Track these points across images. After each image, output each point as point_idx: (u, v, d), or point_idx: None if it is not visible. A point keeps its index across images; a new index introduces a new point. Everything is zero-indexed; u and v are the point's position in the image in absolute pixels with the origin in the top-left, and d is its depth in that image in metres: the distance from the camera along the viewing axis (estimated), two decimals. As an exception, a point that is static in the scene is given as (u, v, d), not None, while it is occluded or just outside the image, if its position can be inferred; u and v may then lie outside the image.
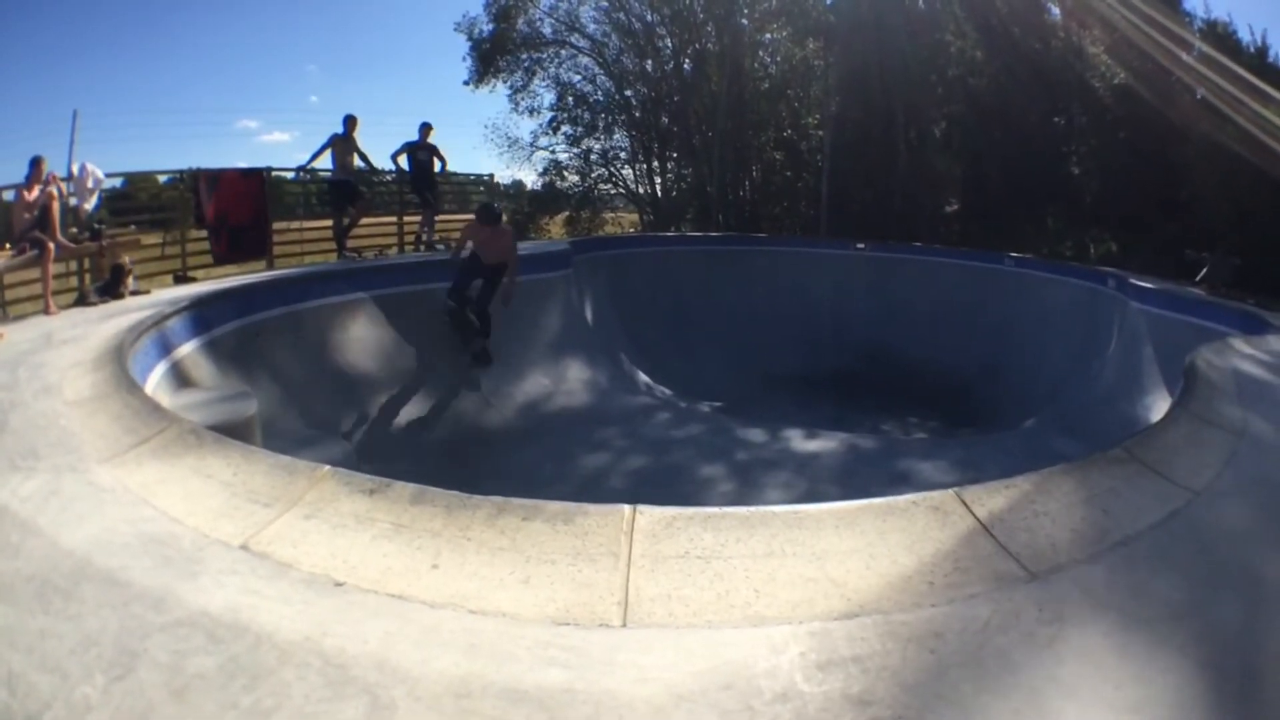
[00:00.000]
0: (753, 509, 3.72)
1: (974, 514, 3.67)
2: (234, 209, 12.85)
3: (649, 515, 3.61)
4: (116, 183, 15.25)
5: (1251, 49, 20.36)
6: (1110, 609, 3.03)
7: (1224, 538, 3.73)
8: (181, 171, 15.13)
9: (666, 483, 9.99)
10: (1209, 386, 6.27)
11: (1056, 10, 23.39)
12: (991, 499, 3.82)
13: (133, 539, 3.41)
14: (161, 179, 20.27)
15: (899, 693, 2.47)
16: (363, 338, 11.81)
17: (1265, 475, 4.55)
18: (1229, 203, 16.89)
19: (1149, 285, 13.75)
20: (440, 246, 16.66)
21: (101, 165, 11.87)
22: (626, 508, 3.66)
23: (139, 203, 17.82)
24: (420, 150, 16.34)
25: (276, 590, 3.02)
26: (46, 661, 2.60)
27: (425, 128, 16.49)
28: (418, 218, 17.57)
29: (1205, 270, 14.26)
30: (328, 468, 4.06)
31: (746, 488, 9.92)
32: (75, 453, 4.44)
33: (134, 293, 10.16)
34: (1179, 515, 3.89)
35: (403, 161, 16.16)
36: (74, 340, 7.43)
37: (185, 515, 3.64)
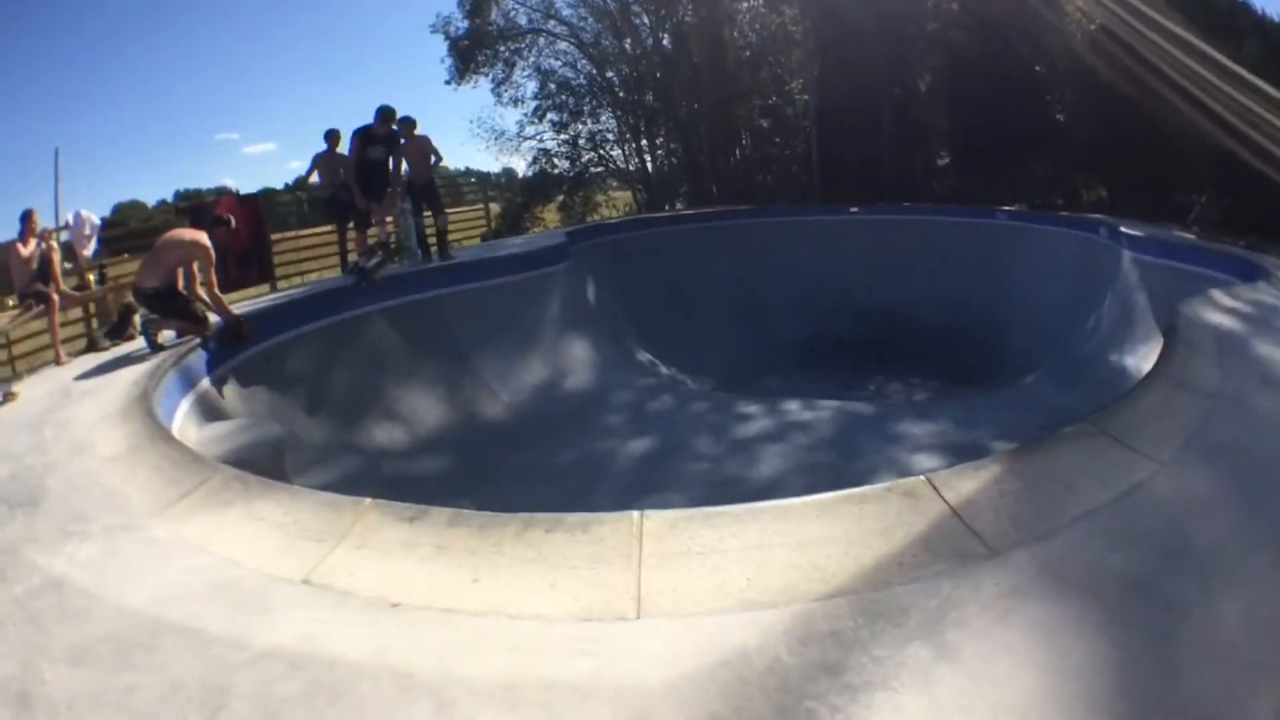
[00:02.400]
0: (745, 506, 4.13)
1: (943, 497, 4.02)
2: (234, 236, 13.10)
3: (655, 519, 4.01)
4: (105, 212, 15.45)
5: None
6: (1065, 582, 3.35)
7: (1185, 509, 3.98)
8: (171, 198, 15.43)
9: (674, 463, 10.36)
10: (1187, 347, 6.48)
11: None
12: (961, 482, 4.16)
13: (200, 587, 3.72)
14: (150, 205, 20.58)
15: (867, 662, 2.88)
16: (373, 350, 12.16)
17: (1233, 441, 4.78)
18: (1209, 141, 17.10)
19: (1140, 233, 13.85)
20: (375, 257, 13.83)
21: (88, 198, 12.59)
22: (635, 514, 4.05)
23: (132, 231, 18.03)
24: (373, 143, 13.82)
25: (341, 616, 3.40)
26: (139, 714, 2.89)
27: (384, 113, 13.94)
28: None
29: (1195, 212, 14.46)
30: (369, 500, 4.40)
31: (752, 461, 10.22)
32: (124, 510, 4.63)
33: (143, 332, 10.18)
34: (1142, 487, 4.14)
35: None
36: (94, 391, 7.51)
37: (245, 558, 3.95)
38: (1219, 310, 7.88)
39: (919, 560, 3.52)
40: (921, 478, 4.22)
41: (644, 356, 15.99)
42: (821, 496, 4.13)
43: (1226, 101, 16.12)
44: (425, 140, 14.89)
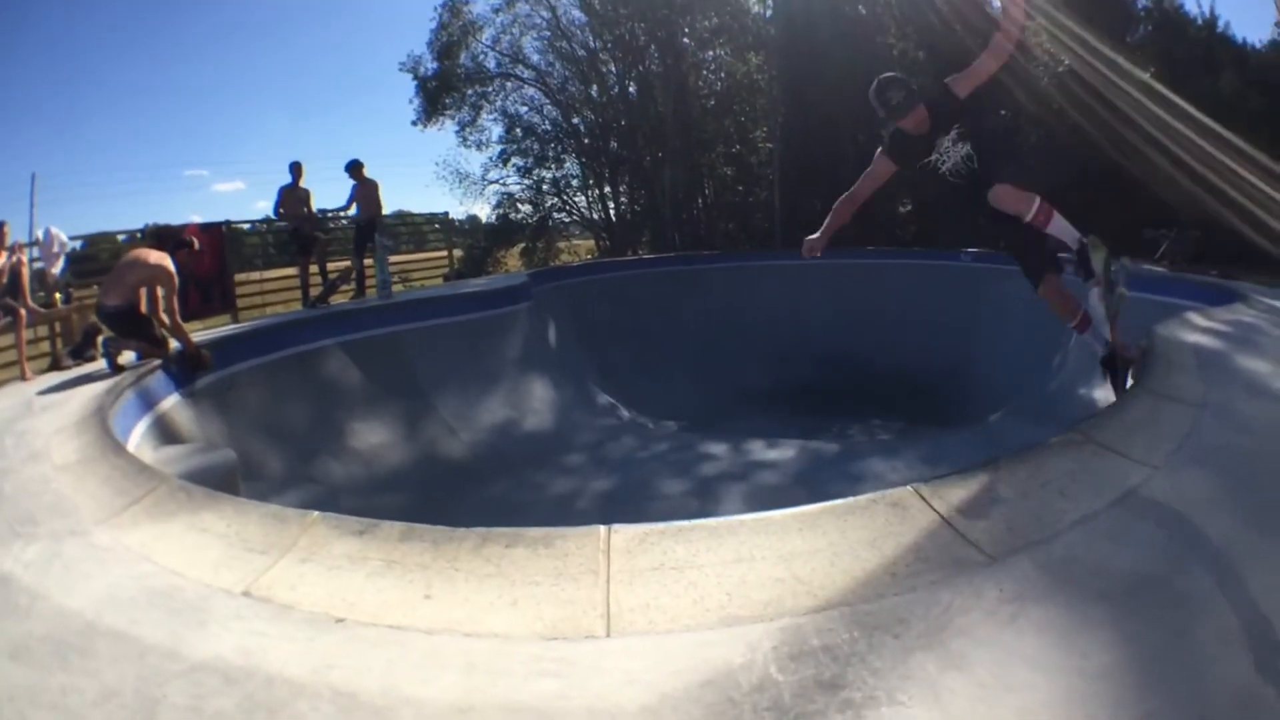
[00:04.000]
0: (721, 519, 3.91)
1: (932, 507, 3.82)
2: (197, 264, 12.82)
3: (623, 534, 3.77)
4: (77, 245, 15.30)
5: (1199, 21, 20.76)
6: (1071, 584, 3.17)
7: (1187, 508, 3.83)
8: (140, 231, 15.26)
9: (634, 502, 10.17)
10: (1166, 363, 6.35)
11: (997, 2, 23.59)
12: (949, 492, 3.97)
13: (139, 594, 3.52)
14: (120, 238, 20.34)
15: (867, 675, 2.64)
16: (332, 383, 11.96)
17: (1226, 444, 4.66)
18: (1181, 178, 17.18)
19: (1107, 267, 13.92)
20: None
21: (61, 226, 12.06)
22: (602, 528, 3.82)
23: (102, 264, 17.88)
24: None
25: (282, 630, 3.16)
26: (71, 716, 2.71)
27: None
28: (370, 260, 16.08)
29: (1165, 246, 14.47)
30: (317, 513, 4.19)
31: (713, 501, 10.08)
32: (71, 516, 4.52)
33: (104, 353, 10.19)
34: (1138, 490, 3.99)
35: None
36: (54, 405, 7.47)
37: (186, 568, 3.75)
38: (1195, 330, 7.85)
39: (913, 570, 3.32)
40: (908, 488, 4.02)
41: (605, 399, 15.80)
42: (803, 509, 3.90)
43: (1190, 147, 16.22)
44: (374, 184, 15.47)
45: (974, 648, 2.79)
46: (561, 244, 31.66)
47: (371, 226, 15.56)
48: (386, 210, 16.15)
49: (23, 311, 9.83)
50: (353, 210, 15.75)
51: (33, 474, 5.37)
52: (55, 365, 9.95)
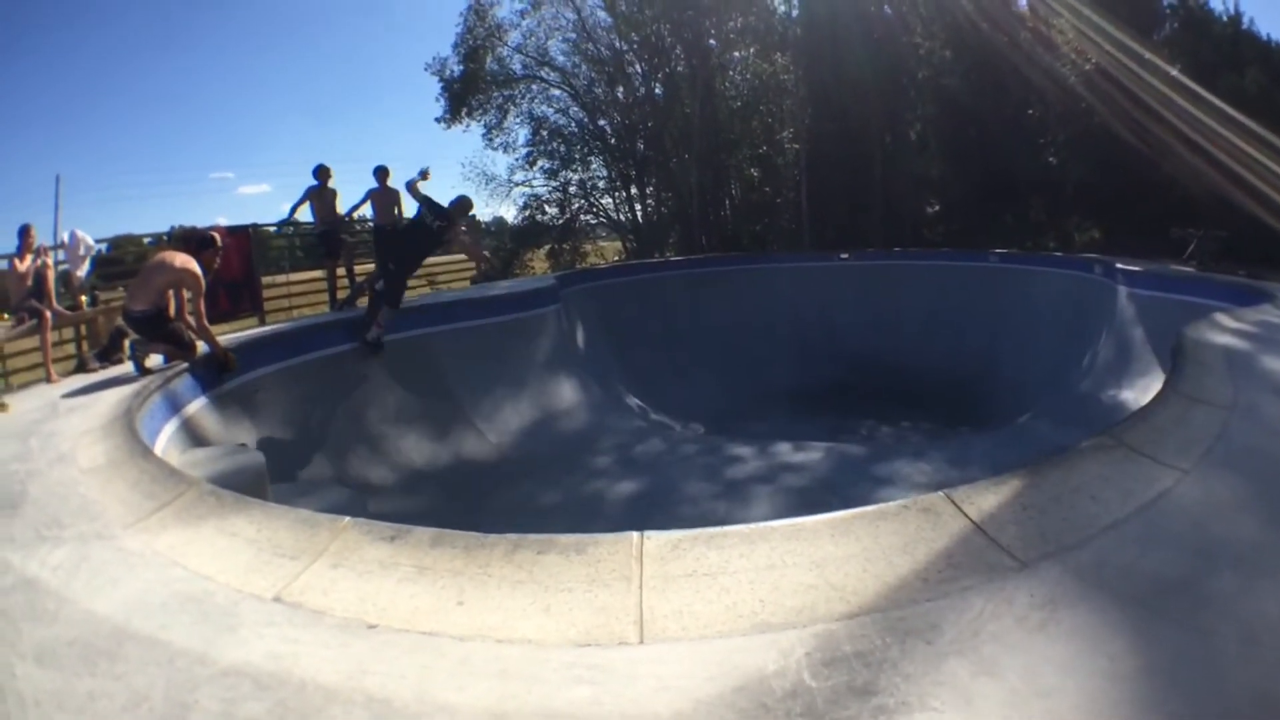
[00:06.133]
0: (753, 525, 3.88)
1: (964, 513, 3.81)
2: (224, 266, 12.79)
3: (656, 540, 3.77)
4: (102, 247, 15.32)
5: (1224, 18, 20.61)
6: (1101, 589, 3.16)
7: (1215, 511, 3.84)
8: (165, 234, 15.30)
9: (663, 504, 10.16)
10: (1196, 365, 6.37)
11: (1024, 1, 23.45)
12: (981, 498, 3.96)
13: (169, 599, 3.52)
14: (146, 240, 20.45)
15: (900, 681, 2.63)
16: (360, 386, 11.98)
17: (1256, 446, 4.65)
18: (1209, 176, 17.05)
19: (1136, 268, 13.90)
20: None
21: (86, 228, 12.04)
22: (634, 534, 3.82)
23: (128, 266, 17.94)
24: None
25: (314, 636, 3.15)
26: None
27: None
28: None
29: (1193, 246, 14.38)
30: (348, 519, 4.18)
31: (741, 504, 10.04)
32: (99, 519, 4.51)
33: (131, 356, 10.19)
34: (1168, 494, 4.00)
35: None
36: (81, 408, 7.48)
37: (216, 573, 3.74)
38: (1224, 331, 7.85)
39: (945, 576, 3.30)
40: (940, 494, 4.01)
41: (633, 401, 15.81)
42: (835, 514, 3.89)
43: (1220, 142, 16.12)
44: (396, 193, 15.36)
45: (1005, 653, 2.78)
46: (588, 246, 31.64)
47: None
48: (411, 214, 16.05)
49: (48, 314, 9.87)
50: (366, 210, 15.85)
51: (59, 477, 5.36)
52: (81, 368, 9.94)
